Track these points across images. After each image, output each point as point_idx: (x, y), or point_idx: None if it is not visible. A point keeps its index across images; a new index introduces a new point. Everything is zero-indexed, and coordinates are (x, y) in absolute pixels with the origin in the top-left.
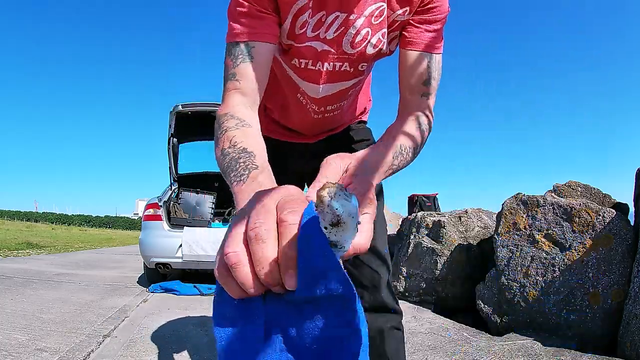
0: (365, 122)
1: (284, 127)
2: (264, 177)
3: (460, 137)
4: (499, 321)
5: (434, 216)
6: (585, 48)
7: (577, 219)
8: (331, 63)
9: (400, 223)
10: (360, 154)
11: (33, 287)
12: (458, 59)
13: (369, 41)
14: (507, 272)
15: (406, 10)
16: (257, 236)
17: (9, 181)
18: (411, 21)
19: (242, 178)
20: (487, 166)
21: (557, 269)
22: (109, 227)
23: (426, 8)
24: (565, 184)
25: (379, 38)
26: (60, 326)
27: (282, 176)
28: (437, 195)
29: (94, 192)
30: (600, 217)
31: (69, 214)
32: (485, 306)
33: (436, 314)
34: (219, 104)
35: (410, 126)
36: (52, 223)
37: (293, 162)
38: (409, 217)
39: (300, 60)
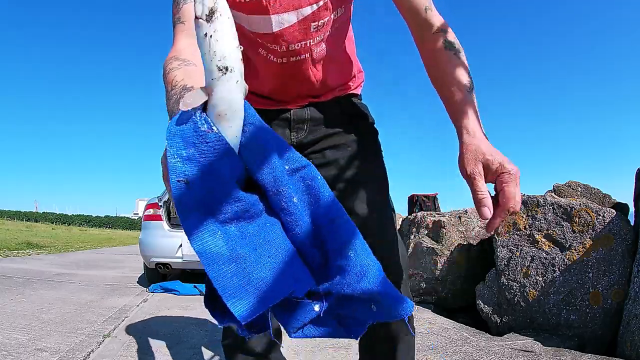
0: (357, 96)
1: (257, 94)
2: None
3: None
4: (499, 321)
5: (434, 216)
6: (585, 48)
7: (577, 219)
8: None
9: (400, 223)
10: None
11: (33, 287)
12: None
13: None
14: (507, 272)
15: None
16: None
17: (9, 181)
18: None
19: None
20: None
21: (557, 269)
22: (109, 227)
23: None
24: (565, 184)
25: None
26: (60, 326)
27: None
28: (437, 195)
29: (94, 192)
30: (600, 217)
31: (69, 214)
32: (485, 306)
33: (436, 314)
34: None
35: (435, 46)
36: (52, 223)
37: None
38: (409, 217)
39: None
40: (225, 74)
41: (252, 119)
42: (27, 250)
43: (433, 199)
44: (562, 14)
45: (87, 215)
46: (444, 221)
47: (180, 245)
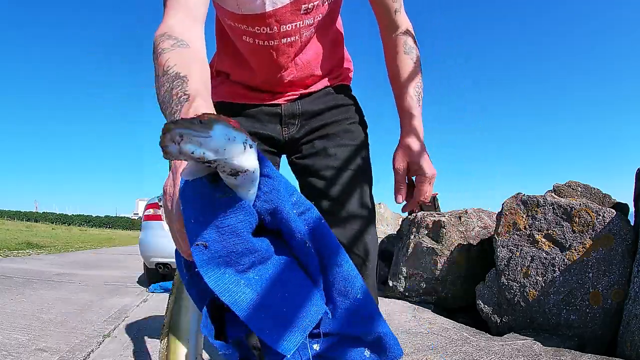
0: (347, 87)
1: (246, 86)
2: (197, 106)
3: (461, 137)
4: (499, 321)
5: (434, 216)
6: (585, 47)
7: (577, 219)
8: None
9: (400, 223)
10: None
11: (33, 287)
12: (457, 58)
13: None
14: (507, 272)
15: None
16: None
17: (9, 181)
18: None
19: (175, 115)
20: (487, 166)
21: (557, 269)
22: (109, 227)
23: None
24: (565, 184)
25: None
26: (60, 326)
27: None
28: (437, 195)
29: (94, 192)
30: (600, 217)
31: (69, 214)
32: (485, 306)
33: (436, 314)
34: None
35: (396, 46)
36: (52, 223)
37: (264, 126)
38: (409, 217)
39: None
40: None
41: (267, 171)
42: (27, 250)
43: (433, 199)
44: (562, 13)
45: (87, 215)
46: (444, 221)
47: None
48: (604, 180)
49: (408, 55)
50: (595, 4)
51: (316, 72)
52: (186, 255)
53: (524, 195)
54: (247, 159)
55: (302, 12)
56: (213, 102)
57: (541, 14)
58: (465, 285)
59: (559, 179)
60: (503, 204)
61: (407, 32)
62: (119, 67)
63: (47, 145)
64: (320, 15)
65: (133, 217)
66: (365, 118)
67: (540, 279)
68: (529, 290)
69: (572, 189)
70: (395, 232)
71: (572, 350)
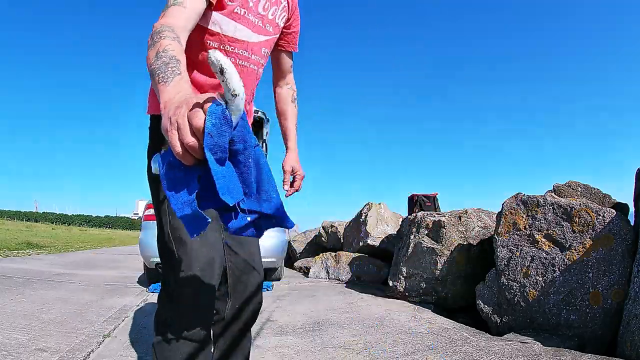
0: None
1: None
2: (184, 82)
3: (460, 137)
4: (499, 321)
5: (434, 216)
6: (585, 47)
7: (577, 219)
8: (262, 13)
9: (400, 223)
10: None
11: (33, 287)
12: (457, 57)
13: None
14: (507, 272)
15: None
16: (175, 123)
17: (9, 181)
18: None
19: (167, 80)
20: (487, 166)
21: (557, 269)
22: (109, 227)
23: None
24: (565, 184)
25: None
26: (60, 326)
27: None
28: (437, 195)
29: (94, 192)
30: (600, 217)
31: (69, 214)
32: (485, 306)
33: (436, 314)
34: None
35: (288, 95)
36: (52, 223)
37: None
38: (409, 217)
39: (242, 9)
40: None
41: (243, 115)
42: (27, 250)
43: (433, 199)
44: (563, 11)
45: (87, 215)
46: (444, 221)
47: None
48: (604, 180)
49: (293, 104)
50: (597, 3)
51: (252, 91)
52: (190, 142)
53: (524, 195)
54: (239, 87)
55: (262, 52)
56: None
57: (543, 11)
58: (465, 285)
59: (559, 179)
60: (503, 204)
61: (292, 88)
62: (120, 66)
63: (47, 145)
64: (263, 61)
65: (133, 217)
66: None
67: (540, 279)
68: (529, 290)
69: (572, 189)
70: (395, 232)
71: (572, 350)
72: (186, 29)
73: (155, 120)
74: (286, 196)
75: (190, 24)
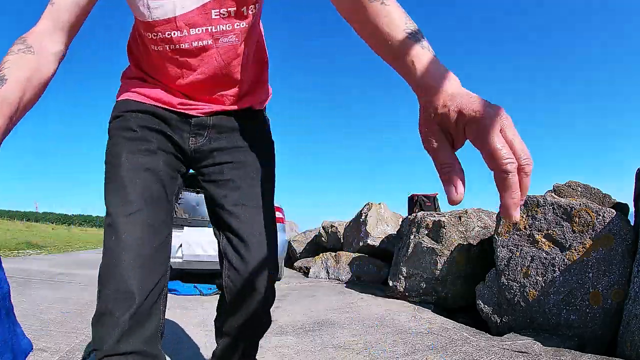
0: (262, 111)
1: (164, 90)
2: None
3: None
4: (499, 321)
5: (434, 216)
6: (585, 47)
7: (577, 219)
8: None
9: (400, 223)
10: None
11: (33, 287)
12: (457, 57)
13: None
14: (507, 272)
15: None
16: None
17: (9, 181)
18: None
19: None
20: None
21: (557, 269)
22: None
23: None
24: (565, 184)
25: None
26: (60, 326)
27: (152, 155)
28: (437, 195)
29: (94, 192)
30: (600, 217)
31: (69, 214)
32: (485, 306)
33: (436, 314)
34: None
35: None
36: (52, 223)
37: (172, 130)
38: (409, 217)
39: None
40: None
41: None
42: (27, 250)
43: (433, 199)
44: (563, 11)
45: (87, 215)
46: (444, 221)
47: (180, 246)
48: (604, 180)
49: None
50: (593, 2)
51: (234, 89)
52: None
53: None
54: None
55: (213, 16)
56: (128, 100)
57: (541, 13)
58: (465, 285)
59: (559, 179)
60: None
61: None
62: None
63: (47, 145)
64: (242, 24)
65: None
66: (274, 148)
67: (540, 279)
68: (529, 290)
69: (572, 189)
70: (395, 232)
71: (572, 350)
72: (58, 27)
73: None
74: (503, 215)
75: (65, 17)
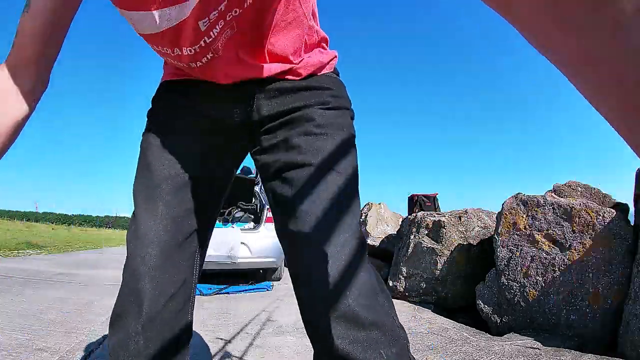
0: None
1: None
2: None
3: (460, 137)
4: (499, 321)
5: (434, 216)
6: None
7: (577, 219)
8: None
9: (400, 223)
10: None
11: (33, 287)
12: (457, 57)
13: None
14: (507, 272)
15: None
16: None
17: (9, 181)
18: None
19: None
20: (487, 166)
21: (557, 269)
22: (109, 227)
23: None
24: (565, 184)
25: None
26: (60, 326)
27: (175, 135)
28: (437, 195)
29: (94, 192)
30: (600, 217)
31: (69, 214)
32: (485, 306)
33: (436, 314)
34: None
35: None
36: (52, 223)
37: (219, 106)
38: (409, 217)
39: None
40: None
41: None
42: (27, 250)
43: (433, 199)
44: None
45: (87, 215)
46: (444, 221)
47: None
48: (604, 180)
49: None
50: None
51: (271, 58)
52: None
53: (524, 195)
54: None
55: (202, 29)
56: (165, 81)
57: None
58: (465, 285)
59: (559, 179)
60: (503, 204)
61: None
62: (121, 66)
63: (47, 145)
64: (237, 10)
65: None
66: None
67: (540, 279)
68: (529, 290)
69: (572, 189)
70: (395, 232)
71: (572, 350)
72: (23, 64)
73: (161, 87)
74: None
75: (41, 32)
